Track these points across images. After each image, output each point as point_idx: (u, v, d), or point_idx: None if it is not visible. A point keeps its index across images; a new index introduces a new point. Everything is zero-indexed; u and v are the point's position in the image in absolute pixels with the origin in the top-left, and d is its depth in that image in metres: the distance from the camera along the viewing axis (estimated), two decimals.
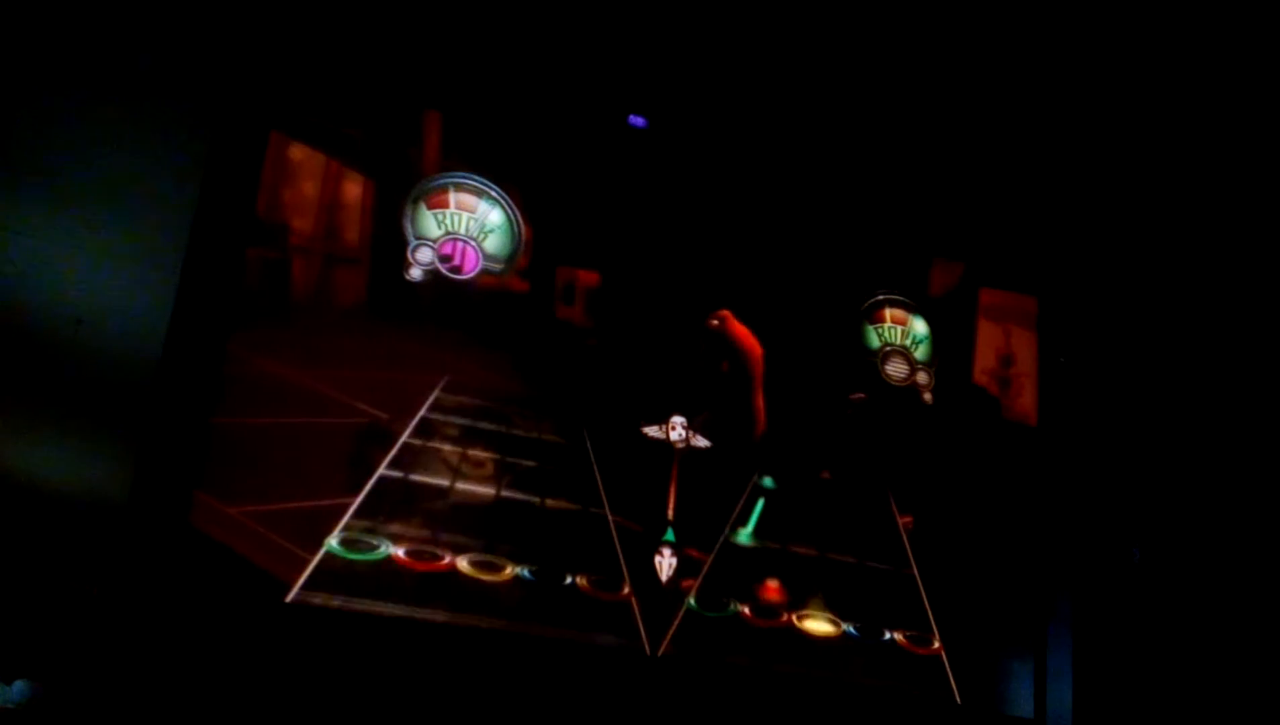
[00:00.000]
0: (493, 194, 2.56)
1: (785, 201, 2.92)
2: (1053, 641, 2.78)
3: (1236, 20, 2.51)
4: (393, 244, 2.44)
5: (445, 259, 2.49)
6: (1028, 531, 2.89)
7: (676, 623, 2.43)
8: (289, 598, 2.14)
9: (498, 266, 2.53)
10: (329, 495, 2.23)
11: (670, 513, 2.51)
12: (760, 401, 2.67)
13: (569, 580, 2.36)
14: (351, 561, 2.20)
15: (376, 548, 2.23)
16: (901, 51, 2.67)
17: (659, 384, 2.61)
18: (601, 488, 2.46)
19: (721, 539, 2.54)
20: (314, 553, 2.18)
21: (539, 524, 2.39)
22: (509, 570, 2.32)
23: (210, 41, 2.54)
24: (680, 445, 2.58)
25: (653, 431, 2.57)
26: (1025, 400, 2.99)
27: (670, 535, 2.49)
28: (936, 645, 2.65)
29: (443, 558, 2.28)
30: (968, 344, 3.00)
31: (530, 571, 2.33)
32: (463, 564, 2.29)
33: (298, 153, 2.43)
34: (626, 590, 2.41)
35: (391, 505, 2.27)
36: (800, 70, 2.74)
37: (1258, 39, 2.54)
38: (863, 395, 2.79)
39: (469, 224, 2.53)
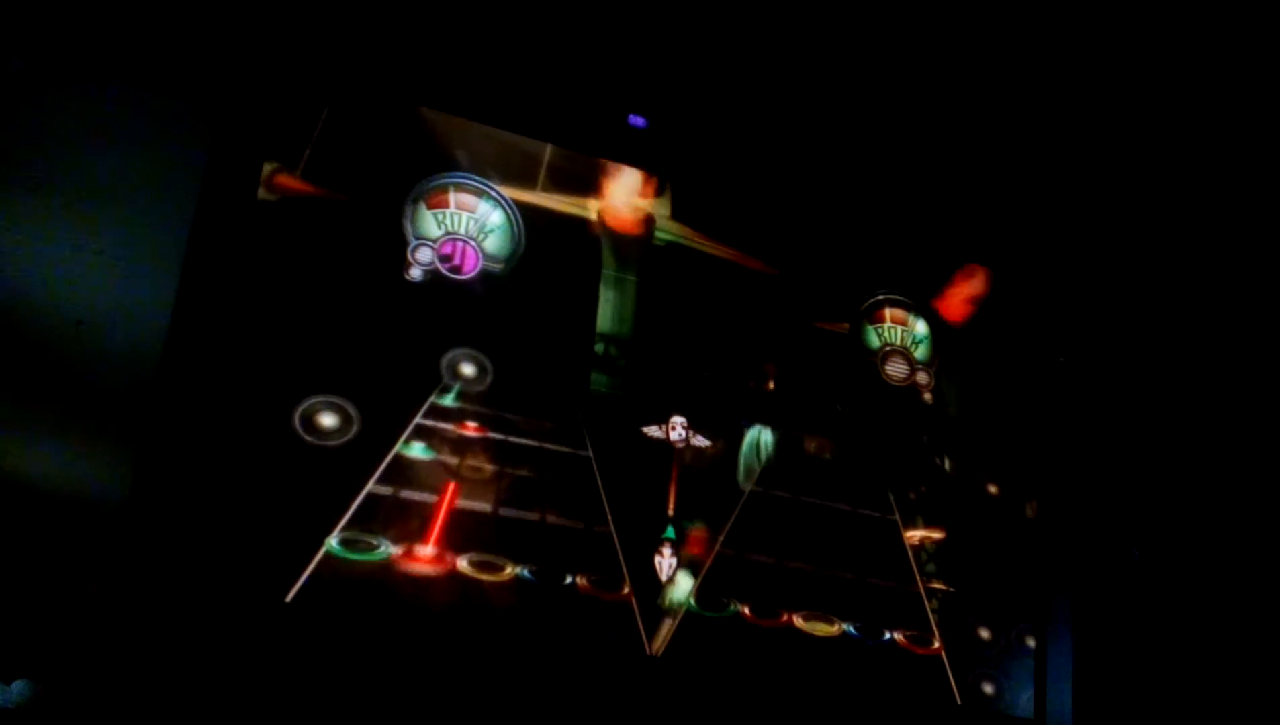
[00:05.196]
0: (493, 194, 2.56)
1: (786, 200, 2.92)
2: (1053, 641, 2.78)
3: (1233, 19, 2.51)
4: (393, 243, 2.44)
5: (445, 259, 2.49)
6: (1028, 531, 2.89)
7: (676, 622, 2.43)
8: (289, 598, 2.14)
9: (498, 266, 2.53)
10: (329, 495, 2.23)
11: (670, 512, 2.51)
12: None
13: (569, 580, 2.36)
14: (351, 561, 2.20)
15: (376, 548, 2.23)
16: (901, 51, 2.67)
17: (658, 384, 2.62)
18: (601, 487, 2.46)
19: (720, 539, 2.54)
20: (314, 553, 2.18)
21: (539, 524, 2.39)
22: (509, 570, 2.32)
23: (210, 42, 2.54)
24: (680, 445, 2.58)
25: (653, 431, 2.57)
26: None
27: (670, 534, 2.49)
28: (936, 645, 2.65)
29: (443, 557, 2.28)
30: (968, 344, 3.01)
31: (530, 571, 2.33)
32: (463, 564, 2.29)
33: (298, 151, 2.42)
34: (626, 590, 2.41)
35: (392, 504, 2.27)
36: (799, 70, 2.74)
37: (1256, 38, 2.54)
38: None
39: (469, 224, 2.53)
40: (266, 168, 2.36)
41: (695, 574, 2.49)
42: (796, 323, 2.82)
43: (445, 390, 2.40)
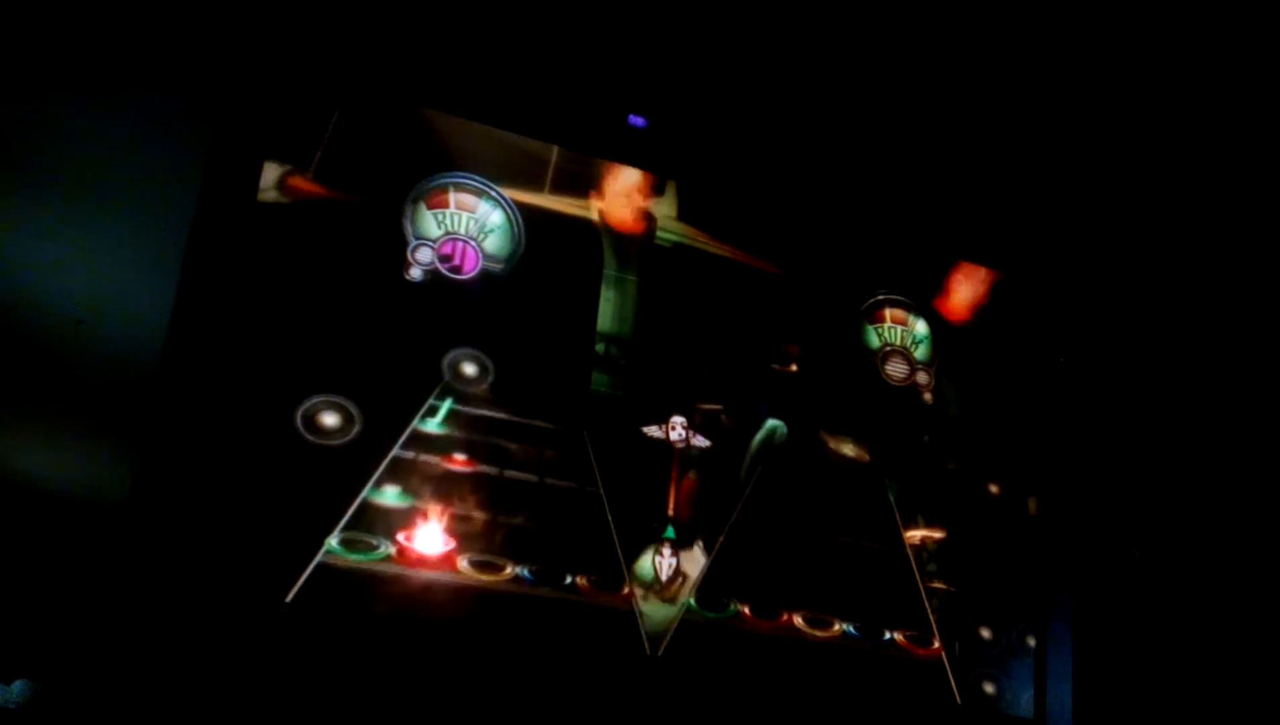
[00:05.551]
0: (492, 194, 2.56)
1: (788, 201, 2.92)
2: (1053, 641, 2.78)
3: (1233, 19, 2.51)
4: (393, 243, 2.44)
5: (445, 259, 2.49)
6: (1028, 531, 2.89)
7: (676, 622, 2.43)
8: (289, 598, 2.14)
9: (498, 266, 2.53)
10: (329, 495, 2.23)
11: (670, 511, 2.51)
12: None
13: (569, 580, 2.36)
14: (351, 561, 2.20)
15: (376, 547, 2.23)
16: (902, 52, 2.67)
17: (659, 384, 2.62)
18: (601, 488, 2.46)
19: (721, 538, 2.54)
20: (314, 553, 2.18)
21: (539, 524, 2.39)
22: (509, 570, 2.32)
23: (211, 42, 2.54)
24: (680, 445, 2.58)
25: (653, 431, 2.57)
26: None
27: (670, 534, 2.49)
28: (936, 645, 2.65)
29: (443, 557, 2.27)
30: (968, 344, 3.01)
31: (530, 571, 2.33)
32: (463, 564, 2.29)
33: (301, 153, 2.42)
34: (626, 590, 2.41)
35: (392, 504, 2.27)
36: (799, 71, 2.75)
37: (1256, 39, 2.54)
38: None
39: (469, 224, 2.53)
40: (279, 171, 2.36)
41: (695, 574, 2.49)
42: (798, 324, 2.82)
43: (446, 391, 2.40)
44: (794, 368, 2.74)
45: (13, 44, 2.59)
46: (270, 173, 2.36)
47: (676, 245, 2.74)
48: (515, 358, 2.48)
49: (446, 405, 2.38)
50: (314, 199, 2.39)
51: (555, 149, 2.66)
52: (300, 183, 2.38)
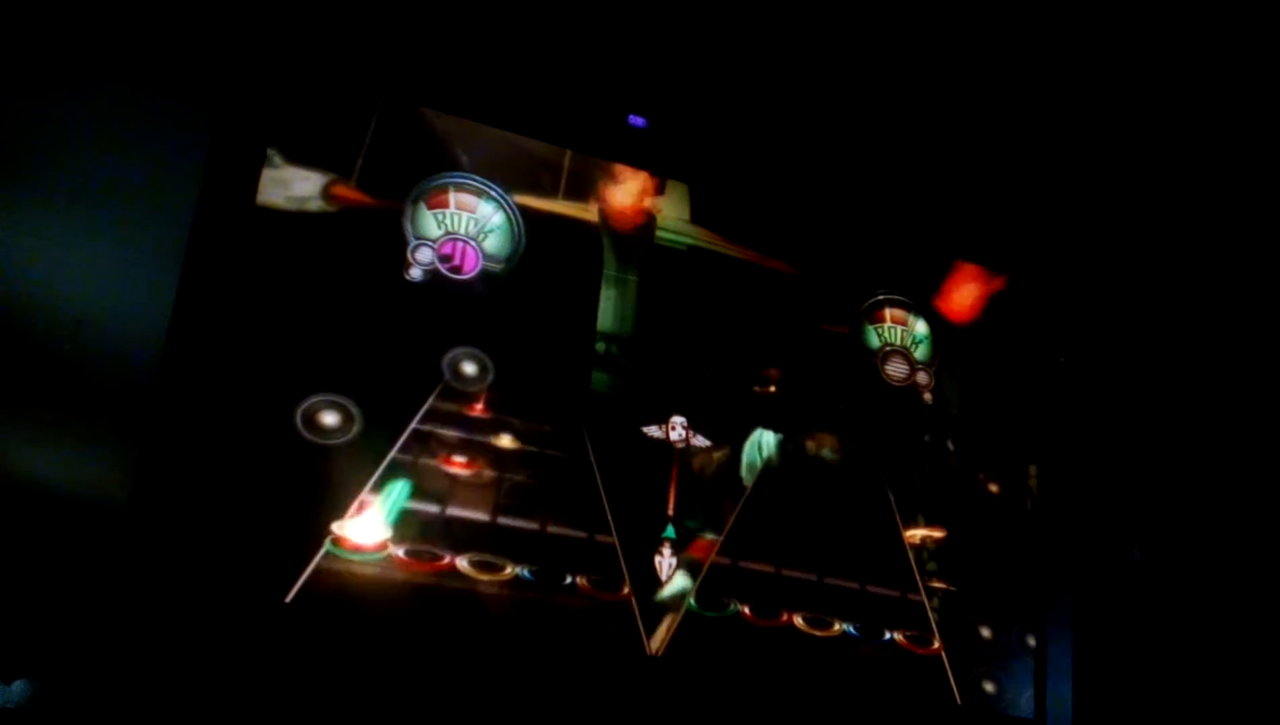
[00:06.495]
0: (493, 194, 2.56)
1: (788, 202, 2.92)
2: (1053, 641, 2.78)
3: (1233, 19, 2.51)
4: (393, 244, 2.44)
5: (445, 259, 2.49)
6: (1028, 531, 2.89)
7: (676, 622, 2.43)
8: (289, 598, 2.14)
9: (498, 266, 2.53)
10: (330, 494, 2.23)
11: (670, 512, 2.51)
12: None
13: (569, 580, 2.36)
14: (352, 561, 2.20)
15: (376, 547, 2.23)
16: (902, 52, 2.67)
17: (659, 384, 2.62)
18: (601, 487, 2.46)
19: (721, 538, 2.54)
20: (314, 553, 2.18)
21: (539, 524, 2.38)
22: (509, 570, 2.32)
23: (211, 42, 2.54)
24: (680, 445, 2.58)
25: (653, 431, 2.57)
26: None
27: (670, 534, 2.49)
28: (936, 645, 2.65)
29: (443, 557, 2.28)
30: (968, 344, 3.01)
31: (530, 571, 2.33)
32: (463, 564, 2.29)
33: (297, 151, 2.42)
34: (626, 590, 2.41)
35: (391, 504, 2.27)
36: (800, 71, 2.75)
37: (1256, 38, 2.54)
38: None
39: (469, 224, 2.53)
40: (322, 180, 2.37)
41: (695, 574, 2.49)
42: (799, 324, 2.82)
43: (446, 390, 2.40)
44: (773, 389, 2.74)
45: (12, 43, 2.59)
46: (313, 182, 2.37)
47: (690, 248, 2.74)
48: (515, 357, 2.48)
49: (450, 402, 2.38)
50: (359, 207, 2.40)
51: (568, 153, 2.66)
52: (344, 191, 2.39)
